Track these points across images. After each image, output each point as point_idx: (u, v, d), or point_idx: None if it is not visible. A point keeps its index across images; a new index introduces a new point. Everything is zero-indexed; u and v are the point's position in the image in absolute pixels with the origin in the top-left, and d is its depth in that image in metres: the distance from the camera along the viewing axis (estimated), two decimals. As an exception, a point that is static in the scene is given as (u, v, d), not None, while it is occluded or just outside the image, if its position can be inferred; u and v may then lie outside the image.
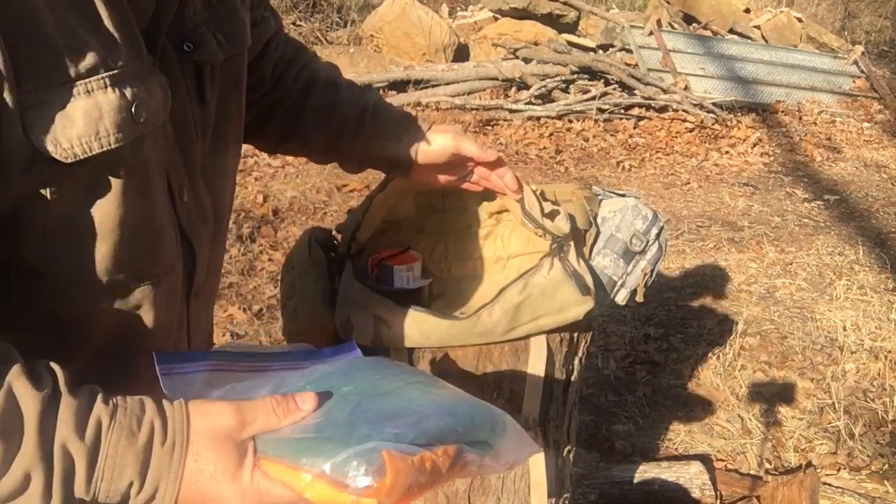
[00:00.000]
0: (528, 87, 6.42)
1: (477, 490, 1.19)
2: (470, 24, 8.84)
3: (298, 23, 8.13)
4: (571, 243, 1.16)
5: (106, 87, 0.61)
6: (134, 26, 0.66)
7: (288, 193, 4.28)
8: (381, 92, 6.31)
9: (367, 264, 1.18)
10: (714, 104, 6.45)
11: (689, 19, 8.95)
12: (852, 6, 11.92)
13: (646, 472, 2.14)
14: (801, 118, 6.81)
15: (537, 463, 1.19)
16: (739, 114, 6.63)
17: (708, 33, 8.37)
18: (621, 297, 1.28)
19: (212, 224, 0.83)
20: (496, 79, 6.59)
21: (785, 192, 5.11)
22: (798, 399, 2.68)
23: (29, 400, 0.55)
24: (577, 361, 1.24)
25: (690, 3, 8.95)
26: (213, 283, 0.91)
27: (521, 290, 1.09)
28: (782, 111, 6.89)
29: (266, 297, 3.18)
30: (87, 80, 0.60)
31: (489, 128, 5.88)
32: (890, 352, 2.95)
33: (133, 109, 0.63)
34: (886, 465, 2.34)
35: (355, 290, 1.11)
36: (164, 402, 0.60)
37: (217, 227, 0.85)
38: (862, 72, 8.02)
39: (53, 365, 0.59)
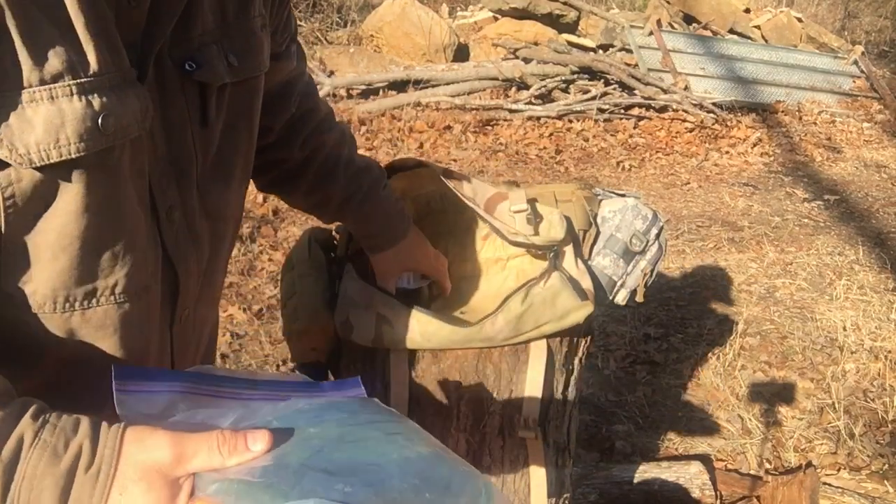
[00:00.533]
0: (528, 87, 6.42)
1: (477, 490, 1.19)
2: (470, 24, 8.84)
3: (298, 23, 8.12)
4: (569, 247, 1.16)
5: (72, 94, 0.59)
6: (115, 36, 0.64)
7: (288, 193, 4.28)
8: (381, 92, 6.31)
9: (367, 265, 1.18)
10: (714, 104, 6.45)
11: (689, 19, 8.95)
12: (852, 6, 11.92)
13: (646, 472, 2.14)
14: (801, 118, 6.81)
15: (537, 463, 1.19)
16: (739, 114, 6.63)
17: (708, 33, 8.37)
18: (621, 298, 1.28)
19: (207, 248, 0.81)
20: (496, 79, 6.59)
21: (785, 192, 5.11)
22: (798, 399, 2.68)
23: None
24: (577, 362, 1.24)
25: (690, 3, 8.95)
26: (208, 307, 0.88)
27: (524, 300, 1.09)
28: (782, 111, 6.89)
29: (266, 297, 3.18)
30: (51, 86, 0.58)
31: (489, 128, 5.88)
32: (890, 352, 2.95)
33: (100, 120, 0.60)
34: (886, 465, 2.34)
35: (357, 289, 1.11)
36: (103, 425, 0.55)
37: (214, 252, 0.82)
38: (862, 72, 8.02)
39: None
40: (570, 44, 7.58)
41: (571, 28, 8.64)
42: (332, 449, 0.57)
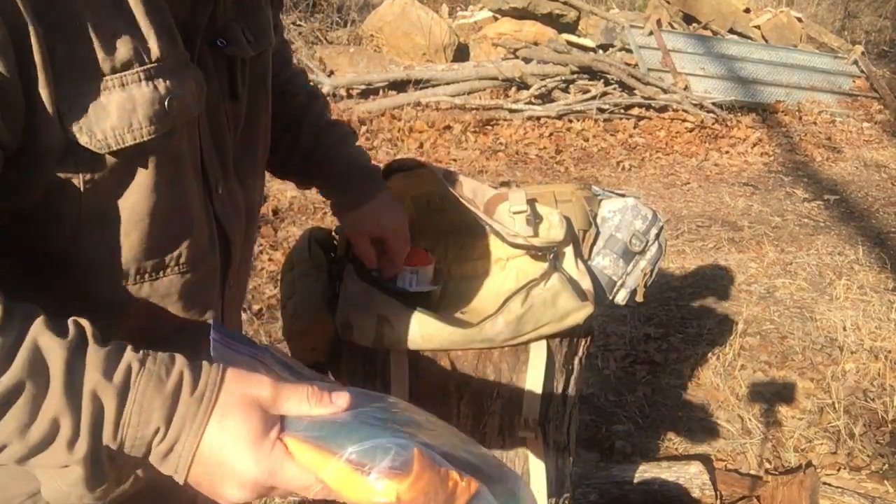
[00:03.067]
0: (528, 87, 6.42)
1: (477, 490, 1.19)
2: (470, 24, 8.84)
3: (298, 23, 8.12)
4: (569, 248, 1.16)
5: (140, 80, 0.63)
6: (170, 21, 0.67)
7: (288, 193, 4.28)
8: (381, 92, 6.31)
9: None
10: (714, 104, 6.45)
11: (689, 19, 8.95)
12: (852, 6, 11.92)
13: (646, 472, 2.14)
14: (801, 118, 6.81)
15: (537, 463, 1.19)
16: (739, 114, 6.63)
17: (708, 33, 8.37)
18: (621, 297, 1.28)
19: (244, 218, 0.85)
20: (496, 79, 6.59)
21: (785, 192, 5.11)
22: (798, 399, 2.68)
23: (54, 349, 0.56)
24: (576, 361, 1.23)
25: (690, 3, 8.95)
26: (245, 276, 0.94)
27: (524, 301, 1.09)
28: (782, 111, 6.89)
29: (266, 297, 3.18)
30: (121, 74, 0.62)
31: (489, 128, 5.88)
32: (890, 352, 2.95)
33: (166, 103, 0.64)
34: (886, 465, 2.34)
35: (357, 290, 1.11)
36: (203, 361, 0.61)
37: (249, 222, 0.87)
38: (862, 72, 8.02)
39: (81, 319, 0.59)
40: (570, 44, 7.58)
41: (571, 28, 8.64)
42: (401, 421, 0.63)
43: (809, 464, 2.32)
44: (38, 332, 0.56)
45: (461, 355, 1.14)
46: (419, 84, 6.42)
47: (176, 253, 0.72)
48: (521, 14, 8.40)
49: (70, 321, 0.59)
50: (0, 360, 0.54)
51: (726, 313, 3.27)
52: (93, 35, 0.60)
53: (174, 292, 0.74)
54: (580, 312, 1.12)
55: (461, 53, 8.09)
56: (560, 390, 1.21)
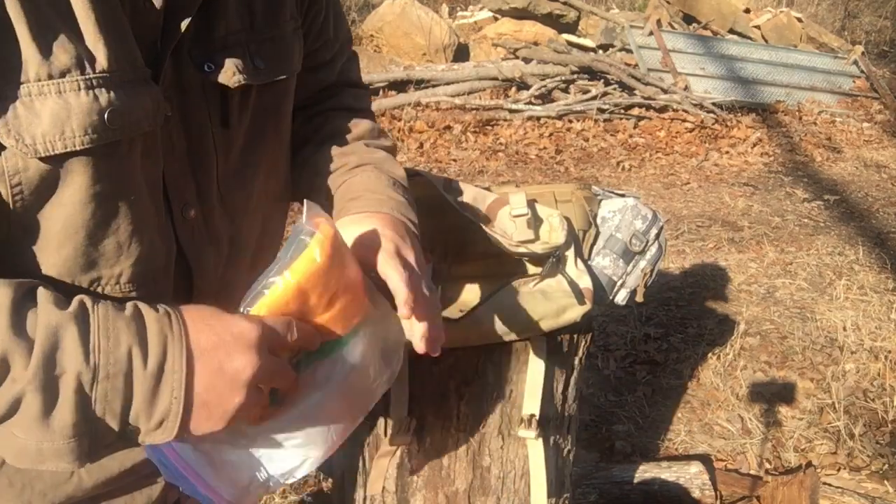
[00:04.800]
0: (528, 87, 6.42)
1: (477, 490, 1.19)
2: (470, 24, 8.85)
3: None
4: (570, 251, 1.16)
5: (79, 89, 0.61)
6: (128, 34, 0.66)
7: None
8: (381, 92, 6.31)
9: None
10: (714, 104, 6.45)
11: (689, 19, 8.95)
12: (852, 6, 11.93)
13: (646, 472, 2.14)
14: (801, 118, 6.81)
15: (537, 463, 1.19)
16: (739, 114, 6.63)
17: (708, 33, 8.37)
18: (621, 298, 1.28)
19: (226, 249, 0.81)
20: (496, 79, 6.59)
21: (785, 192, 5.11)
22: (798, 399, 2.68)
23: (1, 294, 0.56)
24: (577, 361, 1.24)
25: (690, 3, 8.95)
26: (232, 302, 0.89)
27: (515, 294, 1.09)
28: (782, 111, 6.89)
29: (266, 297, 3.18)
30: (58, 81, 0.60)
31: (489, 128, 5.88)
32: (890, 352, 2.95)
33: (106, 115, 0.63)
34: (886, 465, 2.34)
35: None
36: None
37: (233, 252, 0.83)
38: (862, 72, 8.02)
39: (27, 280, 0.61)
40: (570, 44, 7.59)
41: (571, 28, 8.64)
42: None
43: (809, 464, 2.32)
44: None
45: (461, 355, 1.14)
46: (419, 84, 6.42)
47: (116, 270, 0.69)
48: (521, 14, 8.40)
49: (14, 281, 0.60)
50: None
51: (726, 313, 3.27)
52: (28, 39, 0.58)
53: None
54: (576, 310, 1.11)
55: (461, 53, 8.09)
56: (560, 390, 1.21)
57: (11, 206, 0.62)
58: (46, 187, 0.63)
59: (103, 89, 0.62)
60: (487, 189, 1.21)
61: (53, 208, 0.64)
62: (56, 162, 0.62)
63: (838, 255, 3.98)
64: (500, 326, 1.10)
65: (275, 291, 0.65)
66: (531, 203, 1.16)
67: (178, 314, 0.62)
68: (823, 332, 3.14)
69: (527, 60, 6.90)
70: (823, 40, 9.34)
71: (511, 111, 6.05)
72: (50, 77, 0.60)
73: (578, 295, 1.12)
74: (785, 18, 9.15)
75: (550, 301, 1.11)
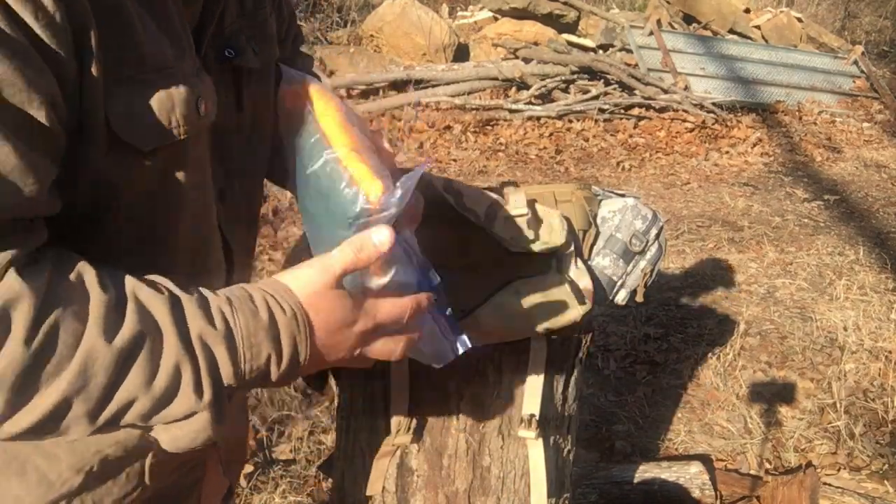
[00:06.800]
0: (528, 87, 6.42)
1: (477, 490, 1.19)
2: (470, 24, 8.84)
3: (299, 23, 8.12)
4: (570, 251, 1.16)
5: (178, 82, 0.63)
6: (188, 28, 0.68)
7: (288, 194, 4.28)
8: (381, 92, 6.31)
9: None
10: (714, 104, 6.45)
11: (689, 19, 8.95)
12: (852, 6, 11.92)
13: (646, 472, 2.14)
14: (801, 118, 6.81)
15: (537, 463, 1.19)
16: (739, 114, 6.63)
17: (708, 33, 8.37)
18: (621, 298, 1.28)
19: (245, 228, 0.85)
20: (496, 79, 6.59)
21: (785, 192, 5.11)
22: (798, 399, 2.68)
23: (156, 301, 0.57)
24: (576, 362, 1.24)
25: (690, 3, 8.95)
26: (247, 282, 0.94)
27: (515, 293, 1.09)
28: (782, 111, 6.89)
29: (266, 297, 3.18)
30: (162, 72, 0.62)
31: (489, 128, 5.88)
32: (890, 352, 2.95)
33: (198, 104, 0.65)
34: (886, 465, 2.34)
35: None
36: (258, 282, 0.65)
37: (249, 231, 0.87)
38: (862, 72, 8.02)
39: (157, 277, 0.61)
40: (570, 44, 7.59)
41: (571, 28, 8.64)
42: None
43: (809, 464, 2.32)
44: (135, 286, 0.58)
45: (461, 355, 1.14)
46: (419, 84, 6.42)
47: (204, 262, 0.74)
48: (521, 14, 8.40)
49: (150, 278, 0.61)
50: (112, 315, 0.55)
51: (726, 313, 3.27)
52: (139, 35, 0.60)
53: None
54: (576, 310, 1.11)
55: (461, 53, 8.09)
56: (560, 390, 1.21)
57: (123, 197, 0.63)
58: (155, 180, 0.65)
59: (191, 80, 0.65)
60: (487, 189, 1.21)
61: (159, 201, 0.66)
62: (162, 154, 0.64)
63: (838, 255, 3.98)
64: (500, 327, 1.10)
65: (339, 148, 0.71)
66: (531, 203, 1.16)
67: (302, 312, 0.64)
68: (824, 332, 3.14)
69: (527, 60, 6.89)
70: (823, 40, 9.34)
71: (511, 111, 6.05)
72: (155, 70, 0.61)
73: (579, 294, 1.12)
74: (785, 18, 9.15)
75: (551, 301, 1.11)
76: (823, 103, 7.28)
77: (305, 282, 0.64)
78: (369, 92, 6.35)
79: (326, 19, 8.64)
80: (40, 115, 0.52)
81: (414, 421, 1.13)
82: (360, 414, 1.19)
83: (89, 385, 0.54)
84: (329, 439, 2.30)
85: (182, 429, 0.61)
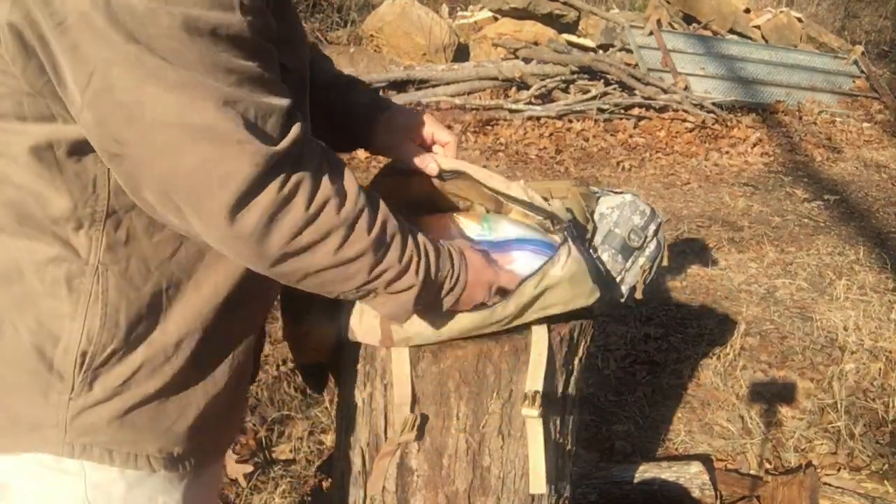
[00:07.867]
0: (528, 87, 6.42)
1: (477, 490, 1.19)
2: (470, 24, 8.84)
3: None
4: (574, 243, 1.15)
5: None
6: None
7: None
8: (381, 91, 6.31)
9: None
10: (714, 104, 6.45)
11: (689, 19, 8.95)
12: (852, 6, 11.93)
13: (646, 472, 2.14)
14: (801, 118, 6.81)
15: (537, 464, 1.18)
16: (739, 114, 6.63)
17: (708, 33, 8.37)
18: (620, 294, 1.28)
19: None
20: (496, 79, 6.59)
21: (785, 192, 5.11)
22: (798, 399, 2.68)
23: (398, 224, 0.90)
24: (577, 361, 1.23)
25: (690, 3, 8.95)
26: None
27: (538, 284, 1.07)
28: (782, 111, 6.89)
29: (266, 297, 3.17)
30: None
31: (489, 128, 5.88)
32: (890, 352, 2.95)
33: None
34: (886, 465, 2.34)
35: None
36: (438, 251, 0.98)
37: None
38: (862, 72, 8.02)
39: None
40: (570, 44, 7.58)
41: (571, 28, 8.64)
42: None
43: (809, 464, 2.31)
44: (387, 212, 0.89)
45: (461, 355, 1.14)
46: (419, 84, 6.42)
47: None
48: (521, 14, 8.40)
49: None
50: (385, 217, 0.88)
51: (726, 313, 3.27)
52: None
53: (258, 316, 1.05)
54: (589, 297, 1.10)
55: (461, 53, 8.09)
56: (560, 390, 1.21)
57: None
58: None
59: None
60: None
61: None
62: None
63: (838, 255, 3.98)
64: (512, 316, 1.08)
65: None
66: (529, 193, 1.16)
67: (463, 256, 1.00)
68: (824, 332, 3.14)
69: (527, 60, 6.89)
70: (823, 40, 9.34)
71: (511, 111, 6.05)
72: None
73: (595, 271, 1.10)
74: (785, 18, 9.15)
75: (566, 290, 1.09)
76: (823, 103, 7.28)
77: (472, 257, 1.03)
78: (369, 92, 6.34)
79: (326, 19, 8.64)
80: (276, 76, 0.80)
81: (418, 418, 1.13)
82: (359, 414, 1.19)
83: (379, 253, 0.87)
84: (329, 439, 2.30)
85: (398, 299, 0.92)
